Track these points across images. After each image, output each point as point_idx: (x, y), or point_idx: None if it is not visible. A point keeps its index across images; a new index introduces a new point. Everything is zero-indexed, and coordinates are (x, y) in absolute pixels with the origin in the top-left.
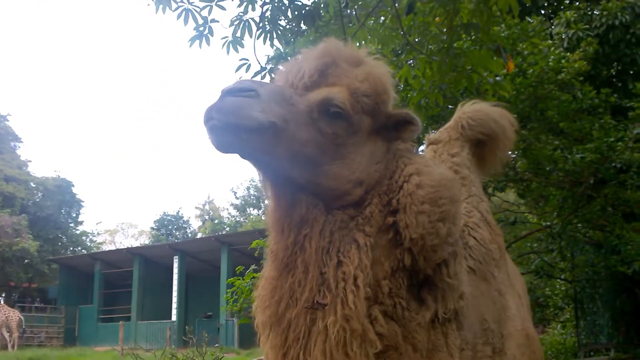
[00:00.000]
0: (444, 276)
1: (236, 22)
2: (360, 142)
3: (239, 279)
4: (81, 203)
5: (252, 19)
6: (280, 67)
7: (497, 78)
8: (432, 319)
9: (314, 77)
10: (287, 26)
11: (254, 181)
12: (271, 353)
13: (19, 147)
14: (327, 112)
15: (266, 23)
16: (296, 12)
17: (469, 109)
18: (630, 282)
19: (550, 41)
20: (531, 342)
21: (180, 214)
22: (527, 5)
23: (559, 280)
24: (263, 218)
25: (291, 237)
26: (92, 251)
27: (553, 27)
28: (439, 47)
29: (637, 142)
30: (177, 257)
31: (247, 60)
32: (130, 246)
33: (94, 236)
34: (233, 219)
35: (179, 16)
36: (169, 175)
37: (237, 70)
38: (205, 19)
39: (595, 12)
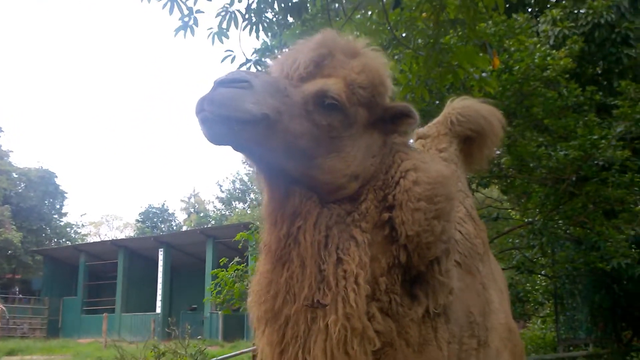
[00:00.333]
0: (436, 273)
1: (222, 14)
2: (356, 134)
3: (223, 271)
4: (65, 194)
5: (238, 10)
6: (268, 60)
7: (483, 74)
8: (423, 314)
9: (310, 68)
10: (274, 19)
11: (239, 174)
12: (267, 349)
13: (0, 137)
14: (322, 103)
15: (252, 15)
16: (283, 5)
17: (459, 105)
18: (609, 279)
19: (536, 38)
20: (513, 335)
21: (165, 207)
22: (514, 2)
23: (539, 276)
24: (249, 211)
25: (284, 228)
26: (77, 243)
27: (539, 24)
28: (426, 42)
29: (620, 140)
30: (162, 249)
31: (232, 51)
32: (115, 238)
33: (79, 228)
34: (218, 212)
35: (164, 6)
36: (155, 167)
37: (222, 61)
38: (190, 9)
39: (581, 10)
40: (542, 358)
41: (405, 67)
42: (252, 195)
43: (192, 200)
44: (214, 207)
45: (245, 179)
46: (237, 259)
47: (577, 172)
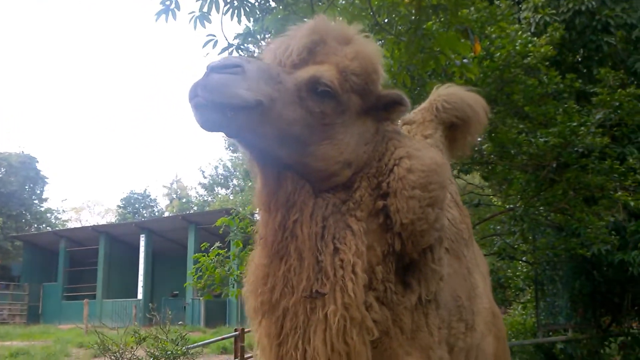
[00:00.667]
0: (429, 262)
1: None
2: (349, 122)
3: (204, 256)
4: (45, 180)
5: None
6: (251, 46)
7: (465, 60)
8: (416, 301)
9: (302, 54)
10: (256, 3)
11: (222, 160)
12: (265, 340)
13: None
14: (315, 90)
15: None
16: None
17: (444, 92)
18: (589, 265)
19: (517, 25)
20: (497, 320)
21: (147, 193)
22: None
23: (520, 262)
24: (231, 197)
25: (278, 218)
26: (57, 228)
27: (521, 11)
28: (407, 28)
29: (600, 127)
30: (143, 235)
31: (215, 36)
32: (96, 224)
33: (59, 213)
34: (201, 198)
35: None
36: (137, 153)
37: (204, 46)
38: None
39: None
40: (522, 343)
41: (387, 53)
42: (234, 182)
43: (175, 186)
44: (197, 193)
45: (229, 164)
46: (218, 243)
47: (557, 159)
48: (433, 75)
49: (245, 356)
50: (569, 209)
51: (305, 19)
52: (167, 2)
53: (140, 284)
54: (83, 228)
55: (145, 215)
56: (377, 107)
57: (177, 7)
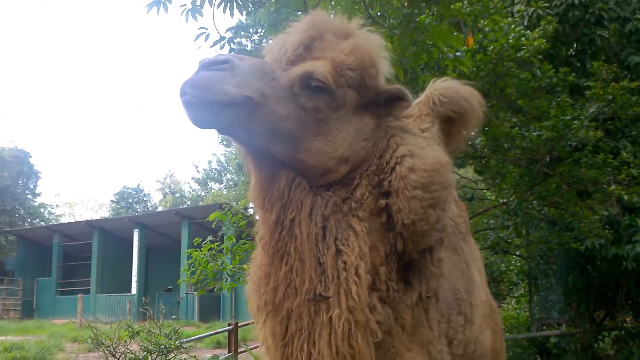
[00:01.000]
0: (428, 263)
1: None
2: (345, 117)
3: (197, 251)
4: (39, 174)
5: None
6: (244, 40)
7: (458, 53)
8: (417, 299)
9: (299, 50)
10: None
11: (215, 155)
12: (270, 340)
13: None
14: (309, 86)
15: None
16: None
17: (441, 86)
18: (583, 259)
19: (510, 19)
20: (494, 313)
21: (140, 188)
22: None
23: (514, 256)
24: (225, 192)
25: (273, 216)
26: (51, 223)
27: (514, 4)
28: (400, 21)
29: (593, 121)
30: (137, 230)
31: (206, 29)
32: (89, 219)
33: (53, 208)
34: (194, 192)
35: None
36: (130, 148)
37: (196, 39)
38: None
39: None
40: (515, 337)
41: None
42: (228, 176)
43: (168, 180)
44: (190, 187)
45: (222, 159)
46: (210, 237)
47: (551, 153)
48: (426, 69)
49: (239, 350)
50: (562, 203)
51: (298, 12)
52: None
53: (134, 278)
54: (76, 223)
55: (138, 210)
56: (377, 102)
57: None
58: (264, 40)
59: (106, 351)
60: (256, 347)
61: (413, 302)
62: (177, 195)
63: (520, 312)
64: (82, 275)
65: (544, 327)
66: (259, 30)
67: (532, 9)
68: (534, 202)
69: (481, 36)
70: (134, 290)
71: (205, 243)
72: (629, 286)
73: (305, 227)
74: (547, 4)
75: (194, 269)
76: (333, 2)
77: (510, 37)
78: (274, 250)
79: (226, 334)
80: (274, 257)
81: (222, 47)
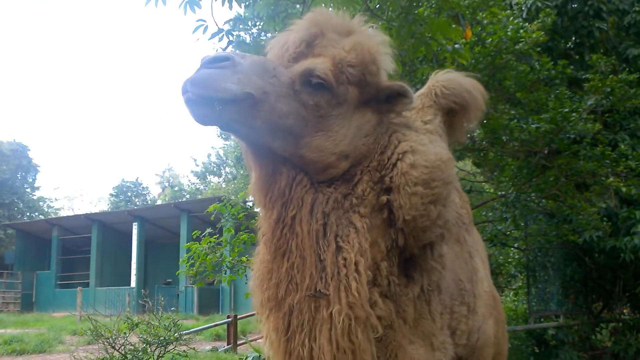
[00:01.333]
0: (429, 258)
1: None
2: (346, 114)
3: (196, 244)
4: (37, 168)
5: None
6: (242, 33)
7: (456, 46)
8: (419, 291)
9: (300, 48)
10: None
11: (215, 148)
12: (273, 335)
13: None
14: (309, 83)
15: None
16: None
17: (443, 78)
18: (581, 251)
19: (509, 11)
20: (496, 303)
21: (139, 181)
22: None
23: (512, 248)
24: (223, 185)
25: (274, 213)
26: (50, 217)
27: None
28: (399, 13)
29: (591, 114)
30: (136, 223)
31: (205, 21)
32: (88, 212)
33: (52, 202)
34: (193, 186)
35: None
36: (129, 141)
37: (194, 31)
38: None
39: None
40: (513, 329)
41: None
42: (227, 169)
43: (167, 174)
44: (189, 181)
45: (221, 153)
46: (209, 230)
47: (549, 145)
48: (424, 61)
49: (238, 342)
50: (560, 195)
51: (296, 5)
52: None
53: (133, 272)
54: (76, 216)
55: (137, 203)
56: (378, 98)
57: None
58: (263, 33)
59: (105, 343)
60: (255, 339)
61: (415, 295)
62: (176, 188)
63: (518, 304)
64: (82, 268)
65: (542, 319)
66: (258, 22)
67: (530, 2)
68: (532, 194)
69: (479, 28)
70: (133, 284)
71: (204, 235)
72: (626, 278)
73: (306, 224)
74: None
75: (192, 261)
76: None
77: (508, 30)
78: (275, 247)
79: (225, 326)
80: (276, 253)
81: (220, 40)
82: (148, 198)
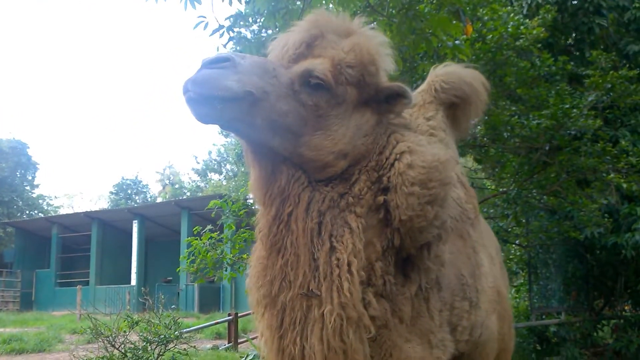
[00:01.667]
0: (425, 259)
1: None
2: (345, 114)
3: (196, 239)
4: (37, 166)
5: None
6: (243, 30)
7: (457, 42)
8: (416, 290)
9: (300, 49)
10: None
11: (215, 145)
12: (267, 332)
13: None
14: (308, 83)
15: None
16: None
17: (442, 72)
18: (582, 248)
19: (509, 7)
20: (502, 299)
21: (139, 179)
22: None
23: (513, 245)
24: (224, 183)
25: (272, 210)
26: (49, 215)
27: None
28: (399, 9)
29: (592, 110)
30: (136, 221)
31: (205, 17)
32: (88, 210)
33: (51, 200)
34: (194, 183)
35: None
36: (129, 138)
37: (194, 27)
38: None
39: None
40: (515, 326)
41: None
42: (227, 167)
43: (167, 171)
44: (189, 178)
45: (222, 150)
46: (209, 226)
47: (550, 142)
48: (425, 57)
49: (239, 340)
50: (561, 191)
51: (297, 2)
52: None
53: (134, 270)
54: (75, 214)
55: (137, 201)
56: (377, 99)
57: None
58: (263, 29)
59: (105, 342)
60: (256, 337)
61: (412, 294)
62: (177, 186)
63: (519, 301)
64: (81, 266)
65: (544, 316)
66: (258, 19)
67: None
68: (534, 191)
69: (480, 25)
70: (133, 282)
71: (205, 231)
72: (628, 275)
73: (301, 221)
74: None
75: (193, 257)
76: None
77: (509, 26)
78: (271, 243)
79: (226, 324)
80: (271, 250)
81: (221, 36)
82: (148, 196)
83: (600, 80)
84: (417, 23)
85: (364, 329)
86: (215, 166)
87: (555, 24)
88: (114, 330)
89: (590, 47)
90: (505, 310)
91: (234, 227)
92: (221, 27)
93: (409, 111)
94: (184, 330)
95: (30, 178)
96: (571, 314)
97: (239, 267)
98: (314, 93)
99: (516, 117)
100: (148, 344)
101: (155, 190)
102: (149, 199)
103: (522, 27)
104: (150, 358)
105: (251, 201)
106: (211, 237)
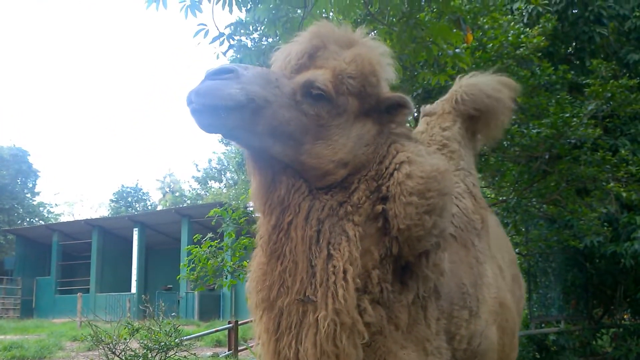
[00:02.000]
0: (423, 267)
1: None
2: (346, 123)
3: (196, 247)
4: (37, 173)
5: None
6: (243, 38)
7: (457, 50)
8: (414, 298)
9: (302, 59)
10: None
11: (216, 153)
12: (264, 336)
13: None
14: (310, 94)
15: None
16: None
17: (465, 83)
18: (582, 257)
19: (510, 16)
20: (505, 310)
21: (139, 187)
22: None
23: None
24: (224, 191)
25: (272, 219)
26: (50, 222)
27: (514, 2)
28: (399, 18)
29: (592, 119)
30: (136, 229)
31: (205, 25)
32: (88, 218)
33: (52, 207)
34: (194, 191)
35: None
36: (130, 146)
37: (195, 35)
38: None
39: None
40: None
41: None
42: (228, 175)
43: (168, 179)
44: (190, 186)
45: (222, 158)
46: (210, 234)
47: (550, 150)
48: (425, 66)
49: (239, 348)
50: (561, 200)
51: (297, 10)
52: None
53: (134, 277)
54: (76, 222)
55: (138, 209)
56: (379, 109)
57: None
58: (264, 37)
59: (106, 349)
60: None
61: (409, 302)
62: (177, 194)
63: None
64: (82, 274)
65: (543, 325)
66: (259, 27)
67: (531, 7)
68: (533, 199)
69: (480, 33)
70: (133, 289)
71: (205, 239)
72: (627, 284)
73: (300, 229)
74: (546, 2)
75: (193, 265)
76: (333, 0)
77: (509, 35)
78: (271, 250)
79: (226, 332)
80: (271, 256)
81: (221, 44)
82: (149, 203)
83: (601, 89)
84: (417, 31)
85: (357, 335)
86: (216, 174)
87: (555, 33)
88: (114, 337)
89: (591, 56)
90: (506, 321)
91: (234, 235)
92: (221, 35)
93: (428, 119)
94: (185, 337)
95: (30, 185)
96: (570, 322)
97: (239, 275)
98: (316, 103)
99: (516, 125)
100: (148, 352)
101: (155, 198)
102: (149, 207)
103: (522, 36)
104: None
105: (251, 209)
106: (211, 245)
